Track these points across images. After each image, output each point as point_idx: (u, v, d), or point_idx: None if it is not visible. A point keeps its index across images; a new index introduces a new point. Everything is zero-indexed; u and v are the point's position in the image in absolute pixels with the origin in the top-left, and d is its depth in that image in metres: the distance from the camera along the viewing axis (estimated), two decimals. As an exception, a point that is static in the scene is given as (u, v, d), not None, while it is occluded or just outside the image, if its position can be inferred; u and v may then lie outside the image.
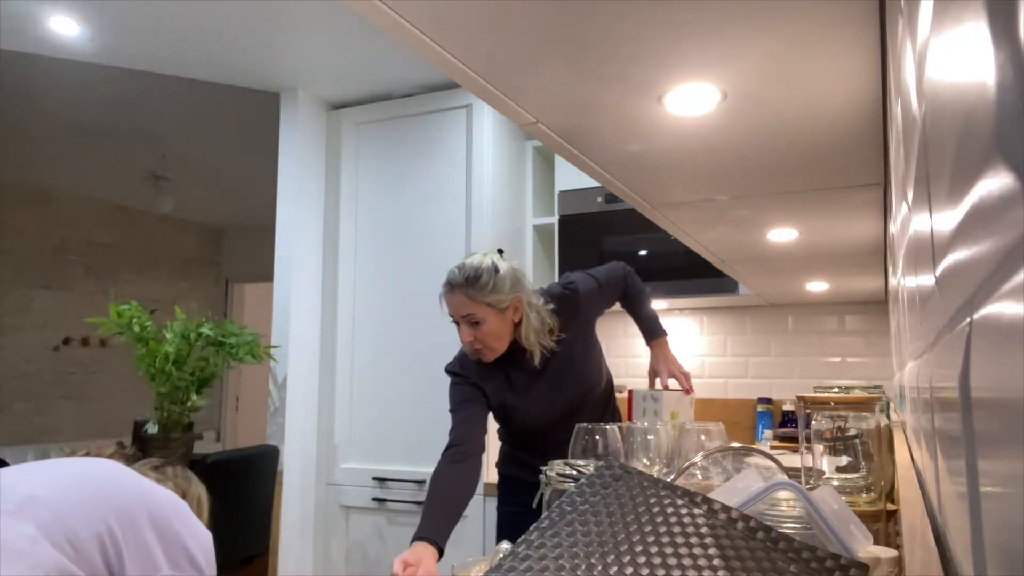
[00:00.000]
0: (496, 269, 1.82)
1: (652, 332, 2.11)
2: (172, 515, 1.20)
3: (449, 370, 1.96)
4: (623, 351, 3.23)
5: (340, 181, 3.14)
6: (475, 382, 1.89)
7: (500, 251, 1.96)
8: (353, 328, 3.08)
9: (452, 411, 1.89)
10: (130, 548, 1.11)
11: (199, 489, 1.46)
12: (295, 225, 3.04)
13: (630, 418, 2.05)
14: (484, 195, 2.85)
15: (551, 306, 1.92)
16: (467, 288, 1.80)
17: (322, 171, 3.18)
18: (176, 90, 3.32)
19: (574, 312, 1.96)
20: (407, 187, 3.01)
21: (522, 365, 1.91)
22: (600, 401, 2.08)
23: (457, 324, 1.86)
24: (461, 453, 1.79)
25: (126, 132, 4.10)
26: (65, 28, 2.51)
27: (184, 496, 1.36)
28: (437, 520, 1.63)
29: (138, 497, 1.18)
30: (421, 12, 0.85)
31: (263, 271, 3.68)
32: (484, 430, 1.87)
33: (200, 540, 1.24)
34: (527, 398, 1.93)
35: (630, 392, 2.06)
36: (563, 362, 1.94)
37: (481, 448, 1.85)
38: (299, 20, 2.48)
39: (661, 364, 2.07)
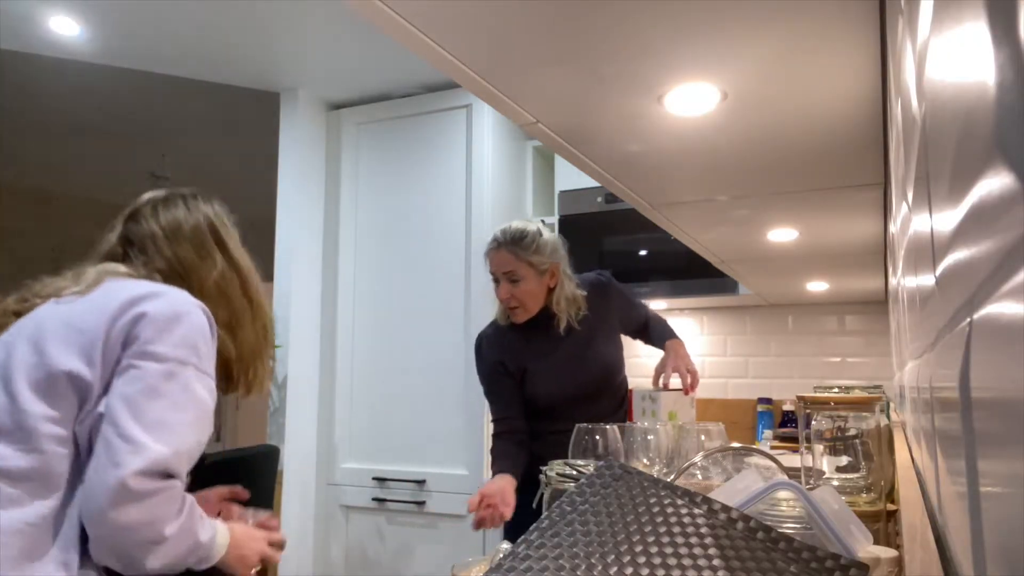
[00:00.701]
0: (540, 233, 1.96)
1: (664, 335, 2.15)
2: (102, 318, 1.01)
3: (477, 342, 2.09)
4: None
5: (340, 181, 3.14)
6: (497, 359, 2.01)
7: (543, 221, 2.01)
8: (353, 328, 3.08)
9: (487, 395, 2.06)
10: (85, 383, 0.98)
11: (207, 211, 1.22)
12: (295, 225, 3.04)
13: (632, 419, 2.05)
14: (484, 195, 2.85)
15: (583, 292, 2.03)
16: (512, 246, 1.92)
17: (322, 171, 3.18)
18: (176, 90, 3.32)
19: (604, 298, 2.07)
20: (407, 187, 3.01)
21: (547, 332, 2.00)
22: (615, 394, 2.10)
23: (496, 282, 1.97)
24: (506, 437, 1.98)
25: (126, 132, 4.09)
26: (65, 28, 2.51)
27: (183, 226, 1.16)
28: (507, 463, 1.87)
29: (54, 343, 0.99)
30: (421, 12, 0.85)
31: (263, 271, 3.68)
32: (523, 411, 2.00)
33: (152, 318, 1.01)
34: (547, 362, 2.00)
35: (630, 392, 2.06)
36: (585, 339, 2.02)
37: (525, 429, 1.99)
38: (299, 20, 2.48)
39: (669, 360, 2.06)
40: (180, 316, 1.02)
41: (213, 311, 1.10)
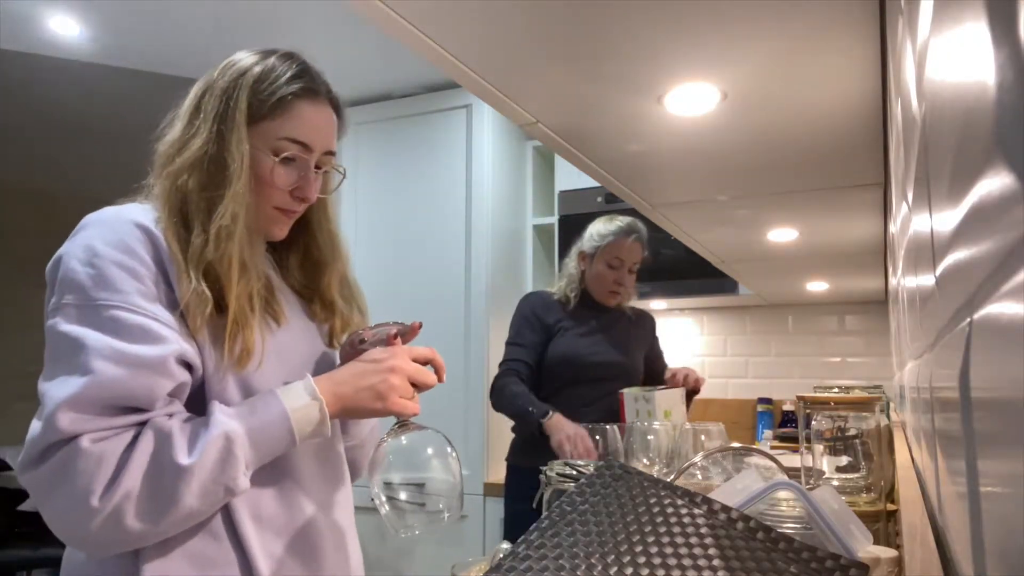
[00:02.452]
0: None
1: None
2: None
3: (524, 297, 2.31)
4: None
5: (340, 181, 3.14)
6: (535, 312, 2.22)
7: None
8: (353, 328, 3.08)
9: (510, 342, 2.21)
10: None
11: None
12: (295, 225, 3.04)
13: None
14: (484, 195, 2.85)
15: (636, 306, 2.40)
16: (644, 241, 2.22)
17: (322, 171, 3.18)
18: (176, 90, 3.32)
19: (648, 324, 2.40)
20: (407, 187, 3.01)
21: (597, 313, 2.26)
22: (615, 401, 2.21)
23: (614, 268, 2.19)
24: (516, 377, 2.15)
25: (126, 132, 4.10)
26: (65, 28, 2.51)
27: None
28: (541, 402, 2.06)
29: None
30: (421, 12, 0.85)
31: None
32: (533, 371, 2.19)
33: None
34: (580, 329, 2.22)
35: (621, 394, 2.05)
36: (624, 333, 2.29)
37: (528, 381, 2.18)
38: (299, 20, 2.48)
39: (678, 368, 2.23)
40: (58, 260, 0.87)
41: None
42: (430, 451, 0.97)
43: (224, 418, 0.83)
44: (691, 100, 1.09)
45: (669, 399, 2.01)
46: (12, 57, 2.81)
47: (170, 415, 0.83)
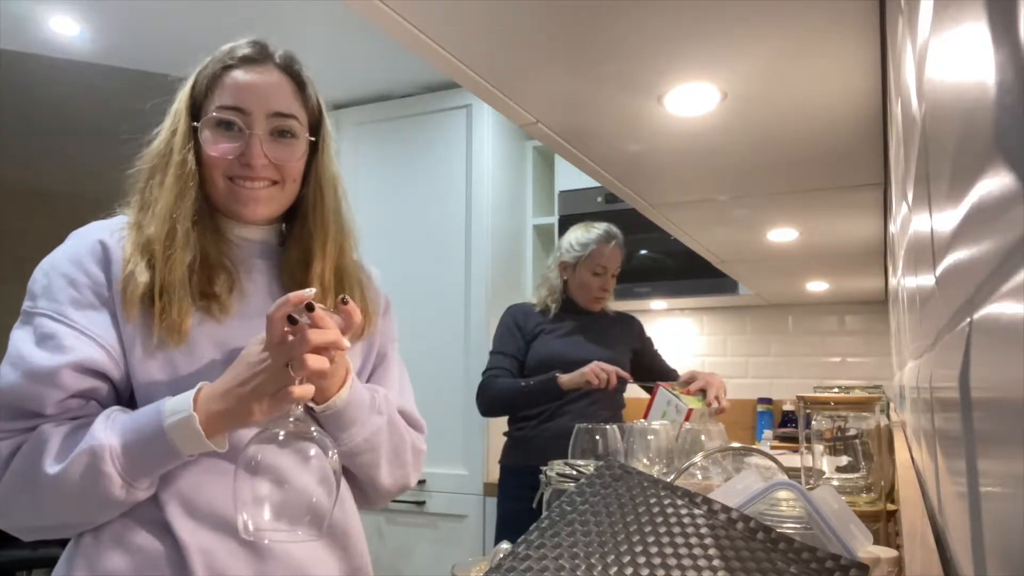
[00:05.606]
0: None
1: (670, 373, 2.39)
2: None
3: (506, 310, 2.35)
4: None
5: (340, 181, 3.14)
6: (515, 321, 2.28)
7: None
8: (353, 328, 3.07)
9: (493, 352, 2.28)
10: None
11: None
12: (295, 225, 3.03)
13: (646, 415, 1.97)
14: (484, 195, 2.85)
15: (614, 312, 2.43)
16: (623, 245, 2.29)
17: (322, 171, 3.17)
18: (176, 90, 3.32)
19: (631, 325, 2.41)
20: (407, 187, 3.01)
21: (576, 316, 2.30)
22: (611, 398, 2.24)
23: (598, 275, 2.24)
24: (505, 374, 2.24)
25: (126, 132, 4.10)
26: (65, 28, 2.51)
27: None
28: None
29: None
30: (421, 12, 0.85)
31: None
32: (515, 375, 2.26)
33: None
34: (562, 330, 2.27)
35: (656, 386, 1.95)
36: (602, 332, 2.31)
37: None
38: (299, 20, 2.48)
39: (711, 378, 2.06)
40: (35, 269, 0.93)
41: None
42: (307, 454, 0.84)
43: (99, 431, 0.80)
44: (691, 100, 1.09)
45: (700, 418, 1.88)
46: (12, 57, 2.81)
47: (74, 419, 0.84)
